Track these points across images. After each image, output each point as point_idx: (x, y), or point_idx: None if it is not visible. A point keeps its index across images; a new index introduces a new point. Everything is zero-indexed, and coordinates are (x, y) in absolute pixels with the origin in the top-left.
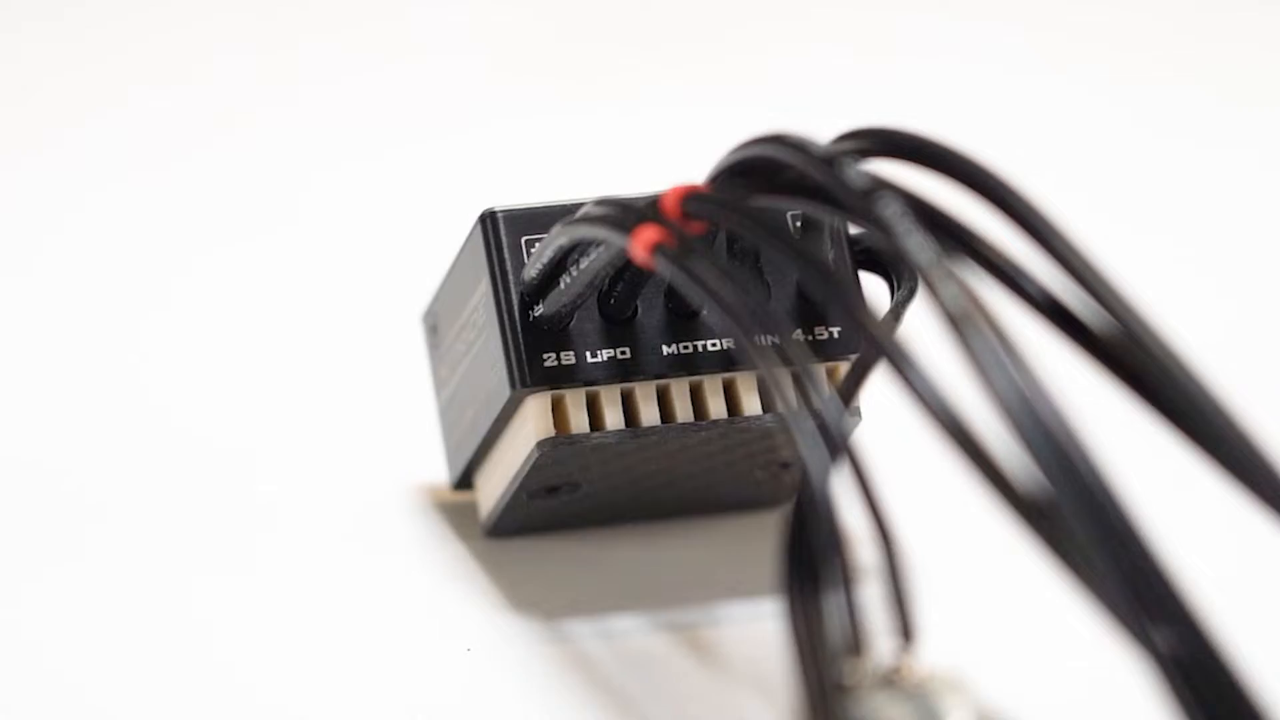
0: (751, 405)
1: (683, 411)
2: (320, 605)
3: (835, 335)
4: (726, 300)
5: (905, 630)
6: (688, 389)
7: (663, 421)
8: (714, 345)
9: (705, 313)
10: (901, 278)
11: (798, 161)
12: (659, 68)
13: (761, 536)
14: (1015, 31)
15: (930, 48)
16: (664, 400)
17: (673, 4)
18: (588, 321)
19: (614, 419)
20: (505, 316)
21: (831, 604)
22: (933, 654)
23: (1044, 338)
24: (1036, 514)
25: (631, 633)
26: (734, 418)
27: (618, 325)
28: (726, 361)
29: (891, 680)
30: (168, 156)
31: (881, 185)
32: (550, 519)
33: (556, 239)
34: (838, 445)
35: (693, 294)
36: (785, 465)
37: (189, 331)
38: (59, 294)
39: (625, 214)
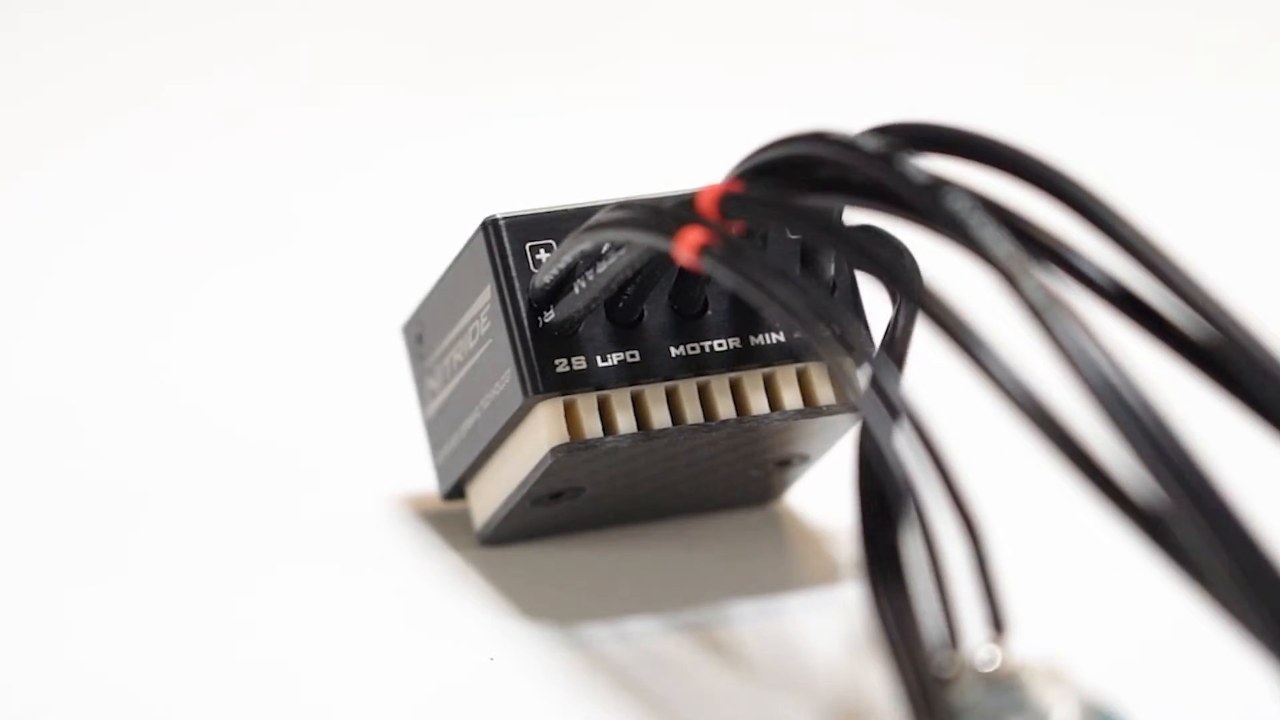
0: (759, 404)
1: (692, 413)
2: (331, 625)
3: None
4: (783, 298)
5: (996, 621)
6: (696, 390)
7: (673, 423)
8: (720, 345)
9: (764, 310)
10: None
11: (848, 159)
12: (640, 69)
13: (757, 535)
14: (1013, 31)
15: (929, 48)
16: (672, 401)
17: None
18: (595, 326)
19: (626, 422)
20: (514, 323)
21: (920, 593)
22: (1024, 643)
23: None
24: (1144, 516)
25: (648, 635)
26: (743, 417)
27: (625, 328)
28: (733, 361)
29: (989, 672)
30: (156, 165)
31: (944, 180)
32: (547, 525)
33: (578, 244)
34: (899, 412)
35: (747, 293)
36: (782, 463)
37: (173, 342)
38: (54, 304)
39: (662, 217)
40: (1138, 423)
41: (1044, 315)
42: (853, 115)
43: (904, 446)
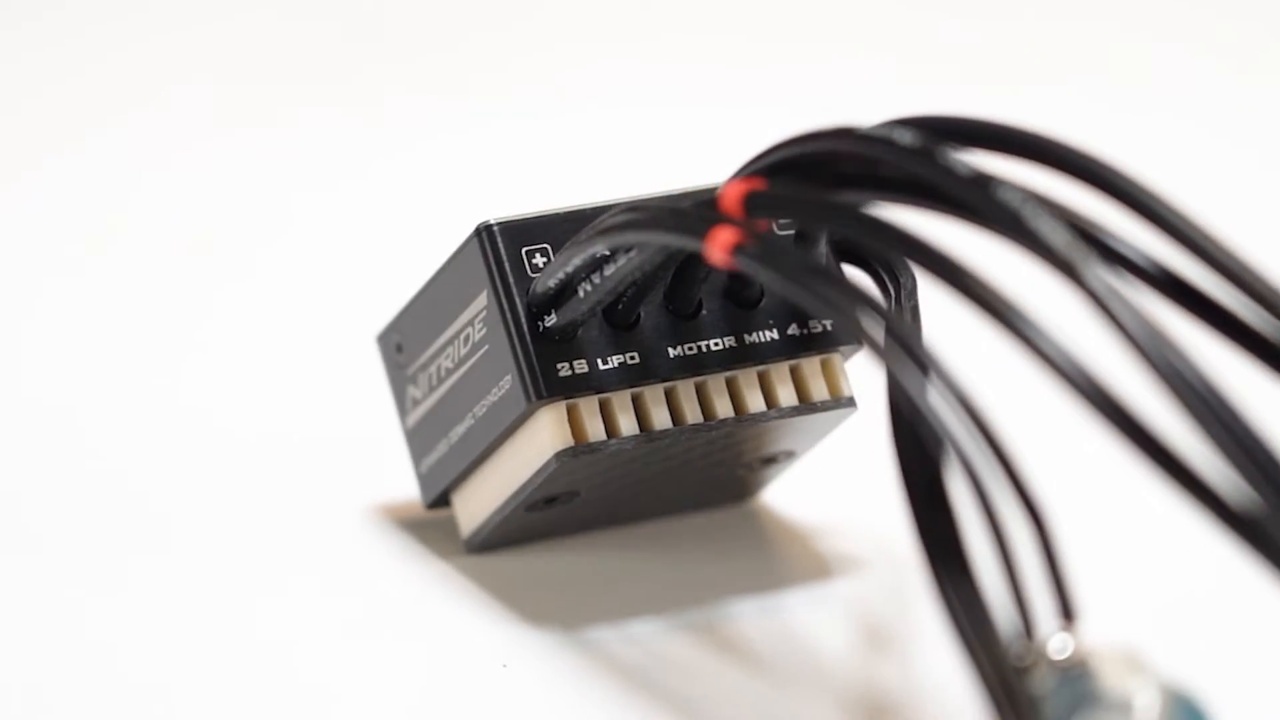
0: (755, 402)
1: (692, 413)
2: (336, 642)
3: (829, 327)
4: (822, 291)
5: (1065, 608)
6: (694, 390)
7: (673, 423)
8: (717, 345)
9: (802, 303)
10: (896, 269)
11: (882, 154)
12: (629, 70)
13: (741, 533)
14: (1013, 28)
15: (927, 46)
16: (671, 402)
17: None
18: (592, 329)
19: (628, 424)
20: (515, 329)
21: (985, 580)
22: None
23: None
24: (1228, 510)
25: (655, 636)
26: (741, 415)
27: (622, 331)
28: (729, 360)
29: (1063, 660)
30: (155, 165)
31: (990, 174)
32: (535, 530)
33: (590, 246)
34: (956, 395)
35: (784, 289)
36: (768, 460)
37: (158, 350)
38: (42, 308)
39: (690, 217)
40: (1212, 410)
41: (1109, 305)
42: (846, 113)
43: (960, 426)
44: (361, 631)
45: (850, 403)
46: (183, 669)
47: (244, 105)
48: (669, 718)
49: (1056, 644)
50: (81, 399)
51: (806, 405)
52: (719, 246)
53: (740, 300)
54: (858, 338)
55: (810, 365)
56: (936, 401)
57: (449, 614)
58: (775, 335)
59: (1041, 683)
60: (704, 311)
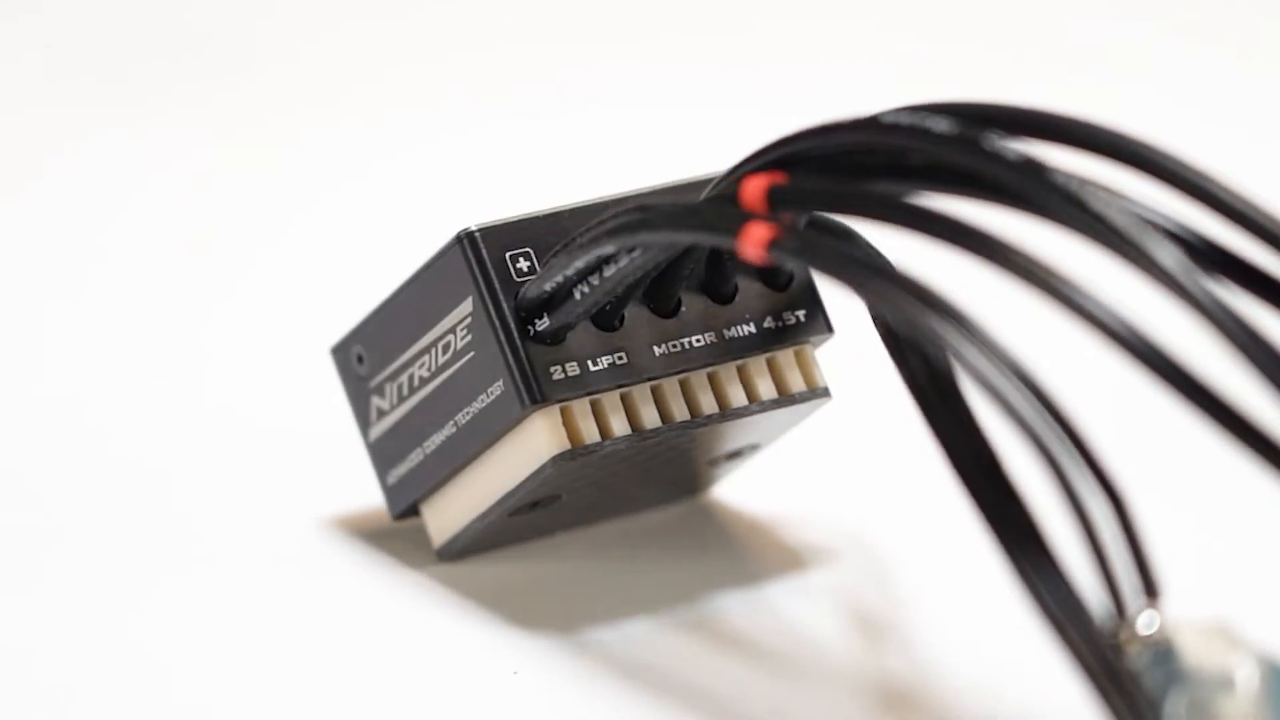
0: (737, 396)
1: (679, 409)
2: (338, 663)
3: (802, 319)
4: (863, 281)
5: (1148, 585)
6: (678, 386)
7: (661, 421)
8: (699, 341)
9: (852, 294)
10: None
11: (920, 143)
12: (605, 71)
13: (707, 529)
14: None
15: (921, 41)
16: (658, 400)
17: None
18: (579, 330)
19: (620, 425)
20: (505, 334)
21: (1065, 561)
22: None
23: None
24: None
25: (652, 635)
26: (724, 410)
27: (608, 331)
28: (712, 355)
29: (1152, 637)
30: (157, 166)
31: (1038, 159)
32: (507, 536)
33: (596, 248)
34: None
35: (832, 282)
36: (733, 454)
37: (135, 360)
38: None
39: (716, 214)
40: None
41: (1185, 285)
42: (846, 112)
43: (1031, 409)
44: (362, 646)
45: (825, 393)
46: (189, 686)
47: (244, 105)
48: (688, 715)
49: (1144, 621)
50: (76, 399)
51: (786, 397)
52: (753, 242)
53: (717, 296)
54: (912, 325)
55: (785, 357)
56: (1004, 384)
57: (444, 624)
58: (752, 329)
59: (1138, 660)
60: (683, 309)
